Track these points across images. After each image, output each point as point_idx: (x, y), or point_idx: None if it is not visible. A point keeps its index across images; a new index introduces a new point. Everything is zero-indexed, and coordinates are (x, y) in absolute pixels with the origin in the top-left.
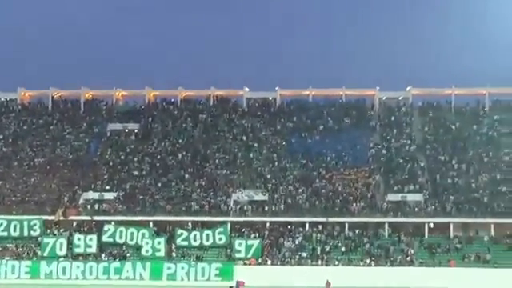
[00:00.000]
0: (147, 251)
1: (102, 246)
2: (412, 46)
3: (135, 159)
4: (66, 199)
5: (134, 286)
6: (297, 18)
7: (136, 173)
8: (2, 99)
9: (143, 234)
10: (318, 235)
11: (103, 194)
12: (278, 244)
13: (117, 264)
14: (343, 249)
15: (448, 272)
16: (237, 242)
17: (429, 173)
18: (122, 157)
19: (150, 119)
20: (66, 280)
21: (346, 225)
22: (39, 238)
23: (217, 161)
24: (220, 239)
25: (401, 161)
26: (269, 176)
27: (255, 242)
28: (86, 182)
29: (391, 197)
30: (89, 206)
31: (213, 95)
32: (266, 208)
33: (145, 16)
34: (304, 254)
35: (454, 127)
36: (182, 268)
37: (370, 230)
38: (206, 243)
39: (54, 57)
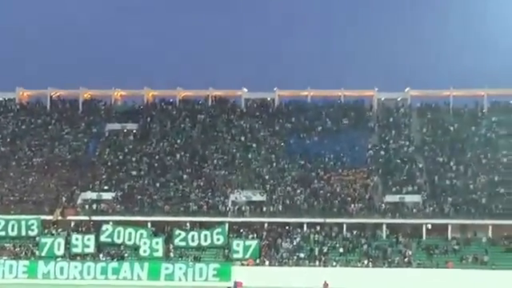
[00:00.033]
0: (145, 251)
1: (99, 246)
2: (410, 47)
3: (133, 159)
4: (64, 199)
5: (132, 287)
6: (295, 19)
7: (134, 173)
8: (1, 99)
9: (141, 234)
10: (316, 236)
11: (101, 194)
12: (275, 245)
13: (115, 264)
14: (341, 250)
15: (446, 273)
16: (235, 242)
17: (427, 174)
18: (121, 157)
19: (149, 119)
20: (64, 280)
21: (344, 226)
22: (37, 238)
23: (215, 161)
24: (218, 240)
25: (399, 162)
26: (267, 177)
27: (253, 243)
28: (84, 181)
29: (389, 198)
30: (87, 206)
31: (211, 95)
32: (264, 209)
33: (143, 16)
34: (302, 255)
35: (452, 128)
36: (180, 268)
37: (367, 231)
38: (203, 244)
39: (53, 57)
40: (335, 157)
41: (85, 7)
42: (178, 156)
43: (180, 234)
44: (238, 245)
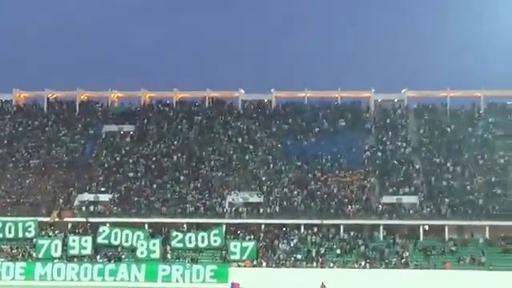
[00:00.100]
0: (142, 253)
1: (96, 248)
2: (407, 48)
3: (130, 161)
4: (61, 201)
5: None
6: (291, 20)
7: (131, 174)
8: None
9: (138, 236)
10: (313, 237)
11: (98, 195)
12: (273, 246)
13: (112, 266)
14: (338, 251)
15: (443, 274)
16: (232, 243)
17: (424, 175)
18: (118, 158)
19: (146, 121)
20: (61, 281)
21: (341, 227)
22: (34, 240)
23: (212, 163)
24: (215, 241)
25: (396, 163)
26: (264, 178)
27: (250, 244)
28: (81, 183)
29: (386, 199)
30: (84, 208)
31: (208, 97)
32: (261, 210)
33: (140, 17)
34: (299, 256)
35: (449, 129)
36: (177, 270)
37: (365, 232)
38: (201, 245)
39: (49, 58)
40: (332, 158)
41: (82, 8)
42: (174, 157)
43: (177, 236)
44: (235, 246)
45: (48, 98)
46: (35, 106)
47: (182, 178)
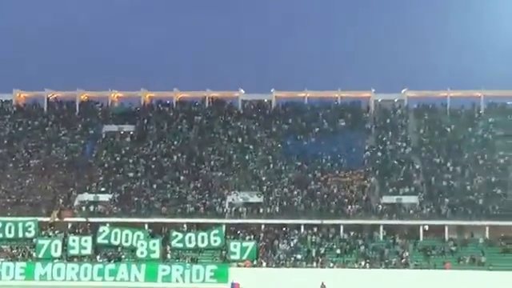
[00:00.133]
0: (142, 253)
1: (96, 248)
2: (407, 48)
3: (130, 161)
4: (61, 201)
5: None
6: (292, 20)
7: (131, 174)
8: None
9: (138, 236)
10: (313, 237)
11: (98, 195)
12: (272, 246)
13: (112, 266)
14: (338, 251)
15: (443, 274)
16: (232, 244)
17: (424, 175)
18: (118, 158)
19: (146, 121)
20: (61, 281)
21: (341, 227)
22: (34, 240)
23: (212, 163)
24: (215, 241)
25: (396, 163)
26: (264, 178)
27: (250, 244)
28: (81, 183)
29: (386, 199)
30: (84, 208)
31: (208, 97)
32: (261, 210)
33: (140, 17)
34: (299, 256)
35: (449, 130)
36: (177, 270)
37: (365, 232)
38: (201, 245)
39: (49, 58)
40: (332, 158)
41: (82, 8)
42: (174, 157)
43: (177, 236)
44: (235, 246)
45: (48, 98)
46: (35, 106)
47: (182, 178)
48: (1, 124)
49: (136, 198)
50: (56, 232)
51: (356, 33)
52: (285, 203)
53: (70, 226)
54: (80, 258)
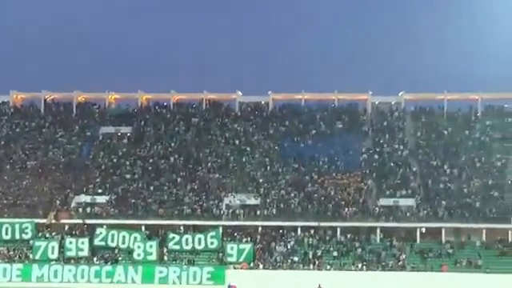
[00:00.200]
0: (139, 255)
1: (93, 250)
2: (405, 51)
3: (127, 163)
4: (58, 202)
5: None
6: (289, 23)
7: (128, 176)
8: None
9: (135, 238)
10: (310, 239)
11: (95, 197)
12: (269, 248)
13: (108, 267)
14: (335, 253)
15: (439, 277)
16: (229, 246)
17: (421, 178)
18: (115, 160)
19: (143, 123)
20: (58, 283)
21: (338, 229)
22: (31, 241)
23: (209, 165)
24: (212, 243)
25: (393, 165)
26: (261, 180)
27: (247, 246)
28: (78, 185)
29: (383, 201)
30: (81, 210)
31: (205, 99)
32: (258, 212)
33: (139, 18)
34: (296, 259)
35: (446, 132)
36: (174, 272)
37: (361, 234)
38: (197, 247)
39: (47, 59)
40: (329, 160)
41: (81, 8)
42: (171, 159)
43: (174, 238)
44: (232, 248)
45: (45, 100)
46: (32, 108)
47: (178, 179)
48: None
49: (133, 200)
50: (53, 234)
51: (353, 35)
52: (282, 205)
53: (66, 227)
54: (77, 260)
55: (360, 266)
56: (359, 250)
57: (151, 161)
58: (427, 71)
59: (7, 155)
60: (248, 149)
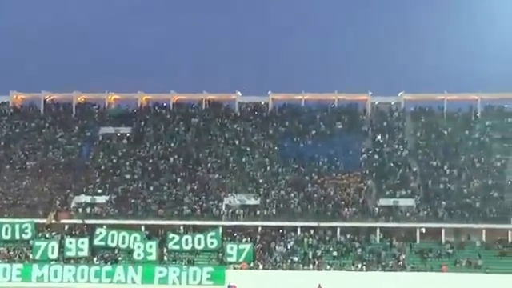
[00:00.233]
0: (139, 255)
1: (93, 250)
2: (405, 51)
3: (127, 163)
4: (57, 202)
5: None
6: (289, 23)
7: (128, 176)
8: None
9: (135, 238)
10: (310, 240)
11: (95, 197)
12: (269, 248)
13: (108, 267)
14: (335, 253)
15: (439, 277)
16: (228, 246)
17: (421, 178)
18: (114, 160)
19: (143, 123)
20: (58, 283)
21: (338, 229)
22: (31, 241)
23: (209, 165)
24: (212, 243)
25: (393, 166)
26: (261, 180)
27: (247, 247)
28: (77, 185)
29: (383, 202)
30: (80, 210)
31: (205, 99)
32: (258, 212)
33: (139, 18)
34: (296, 259)
35: (446, 132)
36: (174, 272)
37: (361, 234)
38: (197, 247)
39: (46, 60)
40: (329, 161)
41: (81, 9)
42: (171, 160)
43: (174, 238)
44: (231, 248)
45: (45, 100)
46: (32, 108)
47: (178, 180)
48: None
49: (133, 200)
50: (53, 234)
51: (353, 36)
52: (281, 205)
53: (66, 227)
54: (77, 260)
55: (360, 266)
56: (359, 250)
57: (151, 161)
58: (427, 71)
59: (7, 155)
60: (248, 149)
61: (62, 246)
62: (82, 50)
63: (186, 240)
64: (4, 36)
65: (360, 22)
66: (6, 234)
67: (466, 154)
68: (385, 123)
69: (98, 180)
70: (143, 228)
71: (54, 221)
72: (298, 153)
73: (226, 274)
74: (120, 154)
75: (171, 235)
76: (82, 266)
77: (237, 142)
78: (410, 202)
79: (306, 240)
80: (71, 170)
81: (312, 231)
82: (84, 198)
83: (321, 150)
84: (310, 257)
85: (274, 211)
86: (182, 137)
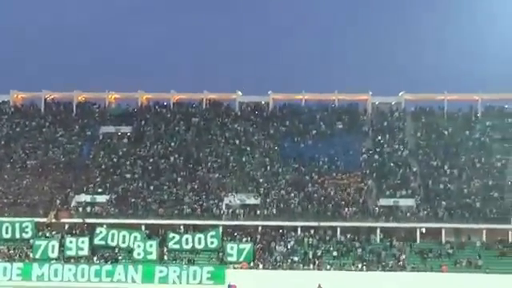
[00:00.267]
0: (139, 254)
1: (94, 249)
2: (405, 51)
3: (127, 162)
4: (58, 201)
5: None
6: (290, 23)
7: (128, 176)
8: None
9: (135, 237)
10: (310, 239)
11: (95, 196)
12: (269, 248)
13: (108, 267)
14: (335, 253)
15: (439, 277)
16: (229, 245)
17: (421, 178)
18: (115, 160)
19: (143, 122)
20: (58, 282)
21: (338, 229)
22: (31, 241)
23: (209, 164)
24: (212, 243)
25: (393, 166)
26: (261, 180)
27: (247, 246)
28: (78, 184)
29: (383, 202)
30: (81, 209)
31: (205, 99)
32: (258, 212)
33: (139, 17)
34: (296, 259)
35: (446, 133)
36: (174, 271)
37: (361, 234)
38: (197, 247)
39: (47, 59)
40: (329, 160)
41: (81, 8)
42: (172, 159)
43: (174, 237)
44: (231, 248)
45: (45, 99)
46: (32, 107)
47: (179, 179)
48: None
49: (133, 200)
50: (53, 233)
51: (354, 36)
52: (282, 205)
53: (67, 226)
54: (77, 259)
55: (360, 266)
56: (359, 250)
57: (151, 160)
58: (427, 71)
59: (7, 155)
60: (248, 149)
61: (62, 245)
62: (82, 50)
63: (187, 239)
64: (4, 36)
65: (360, 22)
66: (7, 232)
67: (466, 154)
68: (385, 123)
69: (98, 179)
70: (143, 227)
71: (54, 220)
72: (298, 153)
73: (226, 273)
74: (120, 153)
75: (171, 235)
76: (83, 265)
77: (237, 142)
78: (410, 202)
79: (306, 240)
80: (71, 169)
81: (312, 231)
82: (84, 197)
83: (321, 149)
84: (310, 257)
85: (274, 211)
86: (183, 136)
